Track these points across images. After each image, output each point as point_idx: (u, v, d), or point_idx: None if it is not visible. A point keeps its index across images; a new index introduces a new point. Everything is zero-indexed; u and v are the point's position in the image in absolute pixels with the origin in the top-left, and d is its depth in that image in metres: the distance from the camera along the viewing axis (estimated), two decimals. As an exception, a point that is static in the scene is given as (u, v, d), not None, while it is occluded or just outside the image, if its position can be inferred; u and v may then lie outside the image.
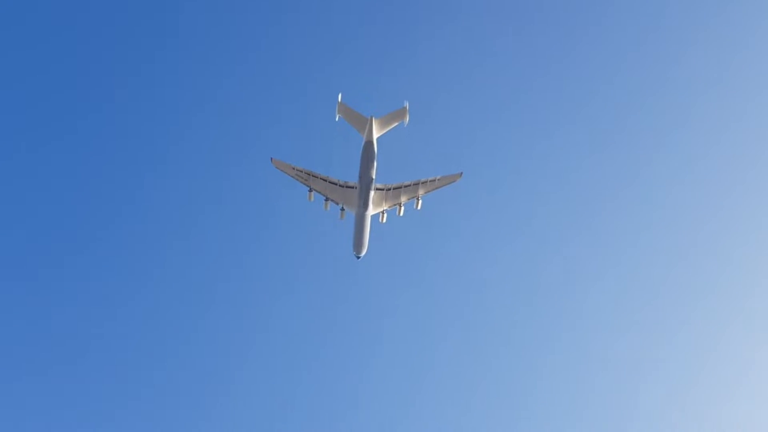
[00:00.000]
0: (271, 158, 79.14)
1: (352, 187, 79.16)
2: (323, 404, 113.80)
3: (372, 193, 78.55)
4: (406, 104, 74.26)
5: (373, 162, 76.19)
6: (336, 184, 79.47)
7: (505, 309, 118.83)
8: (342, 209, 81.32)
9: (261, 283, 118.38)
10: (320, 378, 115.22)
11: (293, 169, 79.26)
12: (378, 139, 75.42)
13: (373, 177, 77.31)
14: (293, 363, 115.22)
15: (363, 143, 75.37)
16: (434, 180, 79.96)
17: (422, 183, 79.92)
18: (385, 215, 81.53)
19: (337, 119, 74.82)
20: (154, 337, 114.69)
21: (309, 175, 79.45)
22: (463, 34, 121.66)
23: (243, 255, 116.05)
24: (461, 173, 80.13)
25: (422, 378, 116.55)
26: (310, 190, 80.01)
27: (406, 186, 79.88)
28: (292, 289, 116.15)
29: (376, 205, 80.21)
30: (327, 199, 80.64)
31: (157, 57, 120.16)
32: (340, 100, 74.12)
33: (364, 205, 79.37)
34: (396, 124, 75.01)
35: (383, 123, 74.59)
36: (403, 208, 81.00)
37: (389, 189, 79.67)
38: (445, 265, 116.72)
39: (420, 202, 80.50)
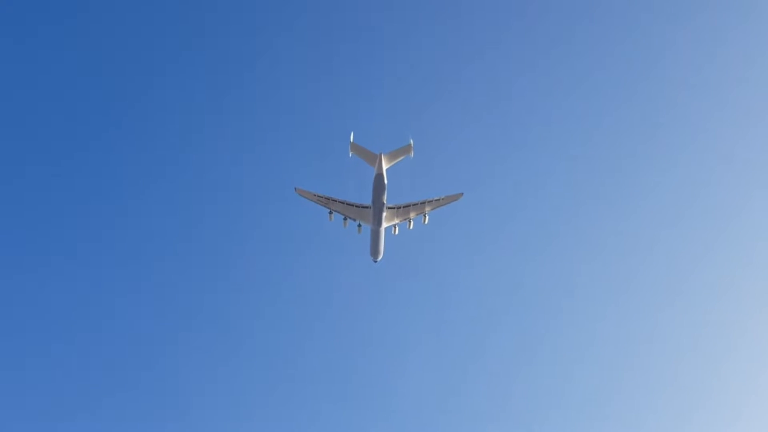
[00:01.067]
0: (295, 188, 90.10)
1: (367, 207, 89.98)
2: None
3: (384, 213, 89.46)
4: (411, 141, 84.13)
5: (383, 190, 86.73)
6: (353, 206, 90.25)
7: (497, 311, 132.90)
8: (359, 225, 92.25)
9: (293, 289, 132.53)
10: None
11: (314, 195, 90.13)
12: (387, 170, 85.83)
13: (385, 202, 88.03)
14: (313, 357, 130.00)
15: (374, 175, 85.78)
16: (439, 199, 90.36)
17: (428, 202, 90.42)
18: (397, 228, 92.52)
19: (350, 156, 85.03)
20: (179, 339, 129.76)
21: (328, 199, 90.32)
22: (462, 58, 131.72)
23: (275, 268, 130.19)
24: (462, 193, 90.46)
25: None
26: (330, 212, 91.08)
27: (414, 204, 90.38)
28: (319, 293, 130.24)
29: (388, 220, 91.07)
30: (345, 218, 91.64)
31: (198, 98, 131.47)
32: (352, 140, 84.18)
33: (378, 223, 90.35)
34: (403, 157, 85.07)
35: (391, 158, 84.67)
36: (412, 223, 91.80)
37: (399, 207, 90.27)
38: (449, 270, 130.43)
39: (427, 217, 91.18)
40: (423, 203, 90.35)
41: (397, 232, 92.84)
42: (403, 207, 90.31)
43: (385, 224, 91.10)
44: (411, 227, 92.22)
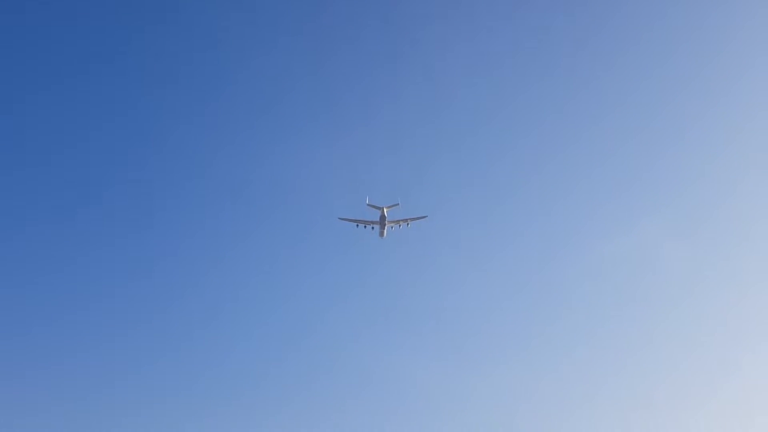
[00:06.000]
0: (338, 217, 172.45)
1: (377, 222, 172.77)
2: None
3: (385, 224, 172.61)
4: (399, 203, 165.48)
5: (385, 220, 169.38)
6: (370, 222, 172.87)
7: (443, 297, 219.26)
8: (372, 228, 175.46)
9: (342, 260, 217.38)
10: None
11: (350, 219, 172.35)
12: (387, 212, 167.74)
13: (386, 223, 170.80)
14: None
15: (380, 215, 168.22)
16: (414, 218, 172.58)
17: (409, 219, 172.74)
18: (393, 228, 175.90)
19: (366, 205, 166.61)
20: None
21: (357, 220, 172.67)
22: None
23: (327, 256, 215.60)
24: (427, 215, 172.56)
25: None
26: (357, 225, 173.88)
27: (402, 220, 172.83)
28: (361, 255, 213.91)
29: (389, 225, 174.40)
30: (365, 226, 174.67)
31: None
32: (367, 201, 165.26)
33: (383, 228, 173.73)
34: (395, 206, 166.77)
35: (387, 208, 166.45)
36: (401, 226, 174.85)
37: (393, 221, 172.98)
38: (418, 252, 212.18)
39: (409, 225, 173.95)
40: (406, 219, 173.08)
41: (393, 229, 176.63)
42: (395, 221, 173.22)
43: (386, 227, 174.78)
44: (400, 228, 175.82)
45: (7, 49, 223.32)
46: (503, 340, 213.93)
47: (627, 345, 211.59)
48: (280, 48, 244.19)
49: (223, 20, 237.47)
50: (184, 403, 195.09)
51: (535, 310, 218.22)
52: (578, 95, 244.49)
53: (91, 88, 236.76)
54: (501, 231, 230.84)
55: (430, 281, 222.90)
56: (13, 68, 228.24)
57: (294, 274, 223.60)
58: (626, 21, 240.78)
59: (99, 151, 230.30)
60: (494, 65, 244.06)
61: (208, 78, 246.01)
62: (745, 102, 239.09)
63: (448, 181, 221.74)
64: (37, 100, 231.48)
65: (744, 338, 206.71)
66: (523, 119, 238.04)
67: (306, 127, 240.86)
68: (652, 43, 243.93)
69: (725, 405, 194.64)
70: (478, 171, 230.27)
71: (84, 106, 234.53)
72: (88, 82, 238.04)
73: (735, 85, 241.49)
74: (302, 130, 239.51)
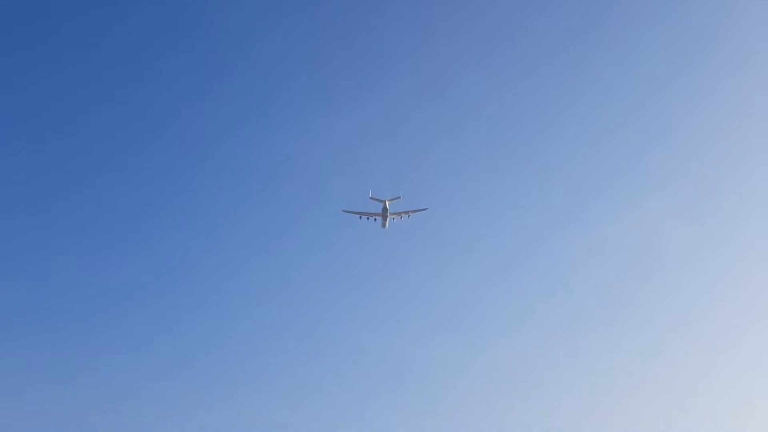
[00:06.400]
0: (342, 209, 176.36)
1: (380, 214, 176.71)
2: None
3: (387, 216, 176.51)
4: (400, 195, 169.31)
5: (387, 212, 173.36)
6: (372, 214, 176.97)
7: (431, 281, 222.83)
8: (375, 219, 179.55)
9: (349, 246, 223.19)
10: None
11: (354, 211, 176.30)
12: (389, 204, 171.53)
13: (388, 215, 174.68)
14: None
15: (381, 208, 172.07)
16: (415, 210, 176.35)
17: (410, 211, 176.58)
18: (395, 220, 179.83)
19: (369, 199, 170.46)
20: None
21: (360, 213, 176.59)
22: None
23: (335, 244, 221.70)
24: (427, 208, 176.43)
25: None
26: (360, 217, 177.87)
27: (403, 212, 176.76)
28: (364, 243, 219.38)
29: (391, 217, 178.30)
30: (368, 218, 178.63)
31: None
32: (370, 194, 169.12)
33: (384, 219, 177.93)
34: (397, 199, 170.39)
35: (389, 201, 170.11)
36: (403, 218, 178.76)
37: (395, 212, 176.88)
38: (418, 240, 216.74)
39: (410, 216, 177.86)
40: (407, 211, 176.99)
41: (395, 221, 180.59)
42: (397, 213, 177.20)
43: (388, 219, 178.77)
44: (402, 219, 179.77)
45: (5, 42, 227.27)
46: (504, 319, 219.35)
47: (628, 324, 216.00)
48: (279, 38, 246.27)
49: (222, 8, 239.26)
50: (184, 384, 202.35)
51: (536, 290, 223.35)
52: (579, 78, 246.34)
53: (90, 75, 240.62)
54: (503, 213, 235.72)
55: (430, 262, 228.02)
56: (11, 59, 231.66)
57: (295, 260, 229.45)
58: (632, 7, 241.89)
59: (97, 138, 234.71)
60: (493, 55, 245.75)
61: (207, 67, 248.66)
62: (748, 85, 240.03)
63: (448, 165, 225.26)
64: (37, 90, 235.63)
65: (745, 318, 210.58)
66: (525, 104, 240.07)
67: (305, 119, 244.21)
68: (657, 25, 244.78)
69: (725, 384, 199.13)
70: (478, 155, 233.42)
71: (83, 92, 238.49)
72: (88, 68, 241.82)
73: (738, 69, 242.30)
74: (302, 122, 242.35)
